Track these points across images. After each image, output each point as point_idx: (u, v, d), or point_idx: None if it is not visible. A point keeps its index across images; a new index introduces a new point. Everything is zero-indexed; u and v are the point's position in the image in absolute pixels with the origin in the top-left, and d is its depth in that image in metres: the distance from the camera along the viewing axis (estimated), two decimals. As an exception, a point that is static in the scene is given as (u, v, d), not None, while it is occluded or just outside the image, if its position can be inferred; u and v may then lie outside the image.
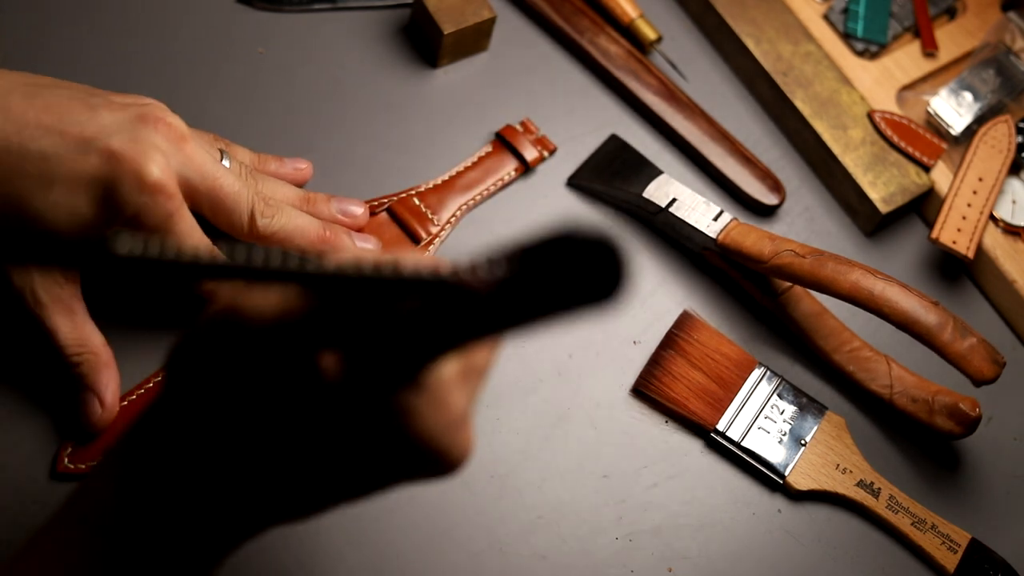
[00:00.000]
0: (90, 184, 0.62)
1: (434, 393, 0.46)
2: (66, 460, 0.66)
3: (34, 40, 0.79)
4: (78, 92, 0.65)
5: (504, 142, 0.80)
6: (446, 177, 0.79)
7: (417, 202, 0.77)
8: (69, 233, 0.63)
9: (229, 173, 0.67)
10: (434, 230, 0.77)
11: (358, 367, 0.44)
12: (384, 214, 0.77)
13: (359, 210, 0.75)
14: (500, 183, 0.80)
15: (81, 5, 0.80)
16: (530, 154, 0.80)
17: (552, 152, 0.81)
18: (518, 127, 0.81)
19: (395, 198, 0.77)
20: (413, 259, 0.45)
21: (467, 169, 0.79)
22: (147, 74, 0.79)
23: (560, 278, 0.40)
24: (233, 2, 0.83)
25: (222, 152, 0.69)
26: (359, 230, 0.75)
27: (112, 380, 0.67)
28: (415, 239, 0.76)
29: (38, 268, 0.64)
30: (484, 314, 0.41)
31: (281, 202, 0.70)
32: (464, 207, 0.78)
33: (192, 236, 0.65)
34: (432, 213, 0.77)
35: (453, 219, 0.78)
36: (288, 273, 0.42)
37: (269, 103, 0.80)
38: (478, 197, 0.79)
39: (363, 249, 0.74)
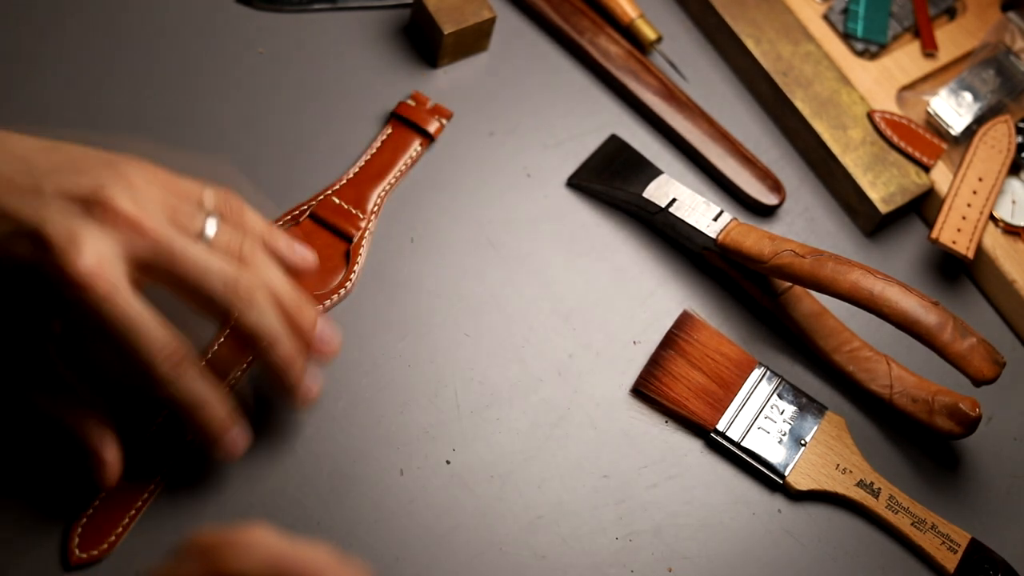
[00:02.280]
0: (22, 271, 0.60)
1: None
2: (77, 551, 0.66)
3: (34, 41, 0.79)
4: (38, 167, 0.62)
5: (402, 120, 0.80)
6: (356, 169, 0.78)
7: (337, 200, 0.77)
8: (13, 318, 0.62)
9: (195, 246, 0.62)
10: (362, 224, 0.76)
11: None
12: (309, 221, 0.76)
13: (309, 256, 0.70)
14: (410, 161, 0.79)
15: (81, 5, 0.80)
16: (432, 126, 0.80)
17: (449, 118, 0.81)
18: (410, 101, 0.81)
19: (313, 203, 0.77)
20: None
21: (374, 156, 0.79)
22: (147, 74, 0.79)
23: None
24: (233, 2, 0.83)
25: (209, 215, 0.64)
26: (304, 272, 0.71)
27: (108, 444, 0.65)
28: (347, 237, 0.76)
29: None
30: None
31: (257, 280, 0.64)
32: (383, 193, 0.78)
33: (136, 328, 0.60)
34: (355, 208, 0.77)
35: (376, 208, 0.77)
36: None
37: (269, 103, 0.80)
38: (393, 180, 0.78)
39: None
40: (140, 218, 0.61)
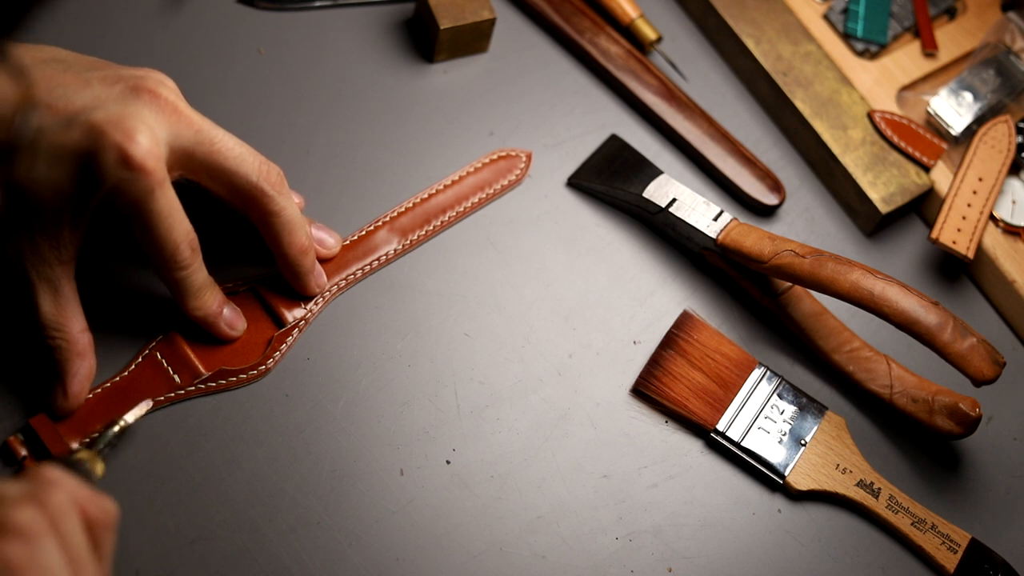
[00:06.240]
0: (70, 158, 0.62)
1: None
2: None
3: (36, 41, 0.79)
4: (78, 66, 0.64)
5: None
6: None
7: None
8: (52, 205, 0.63)
9: (231, 137, 0.66)
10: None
11: None
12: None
13: (331, 240, 0.75)
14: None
15: (81, 5, 0.80)
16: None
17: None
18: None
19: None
20: None
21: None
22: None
23: None
24: (234, 2, 0.83)
25: None
26: (330, 259, 0.75)
27: (82, 370, 0.67)
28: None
29: (27, 244, 0.64)
30: None
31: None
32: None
33: (171, 217, 0.64)
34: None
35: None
36: None
37: (269, 102, 0.80)
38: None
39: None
40: (182, 107, 0.64)
